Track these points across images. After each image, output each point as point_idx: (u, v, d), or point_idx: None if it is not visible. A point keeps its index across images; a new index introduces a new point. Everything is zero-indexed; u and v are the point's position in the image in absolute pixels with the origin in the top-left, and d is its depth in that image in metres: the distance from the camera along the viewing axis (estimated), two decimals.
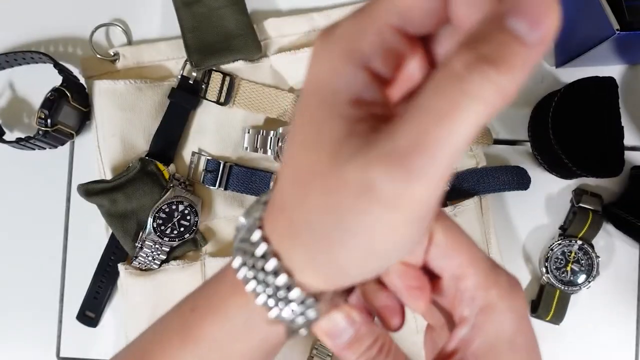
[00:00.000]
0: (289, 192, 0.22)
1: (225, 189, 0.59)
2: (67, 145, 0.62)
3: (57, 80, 0.58)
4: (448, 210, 0.56)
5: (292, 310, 0.24)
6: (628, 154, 0.59)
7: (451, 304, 0.26)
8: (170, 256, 0.59)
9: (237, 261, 0.24)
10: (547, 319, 0.58)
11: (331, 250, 0.22)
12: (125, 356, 0.29)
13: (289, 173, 0.23)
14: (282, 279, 0.23)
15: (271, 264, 0.23)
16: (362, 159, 0.19)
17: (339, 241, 0.21)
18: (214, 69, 0.60)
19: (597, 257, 0.58)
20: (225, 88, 0.59)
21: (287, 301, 0.24)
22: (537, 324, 0.59)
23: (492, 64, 0.17)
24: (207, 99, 0.59)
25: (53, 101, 0.56)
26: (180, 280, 0.58)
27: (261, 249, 0.23)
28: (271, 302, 0.24)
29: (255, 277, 0.24)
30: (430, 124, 0.18)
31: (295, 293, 0.23)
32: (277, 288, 0.23)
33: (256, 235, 0.24)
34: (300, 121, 0.22)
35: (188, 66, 0.60)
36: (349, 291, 0.27)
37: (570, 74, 0.60)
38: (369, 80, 0.21)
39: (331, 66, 0.21)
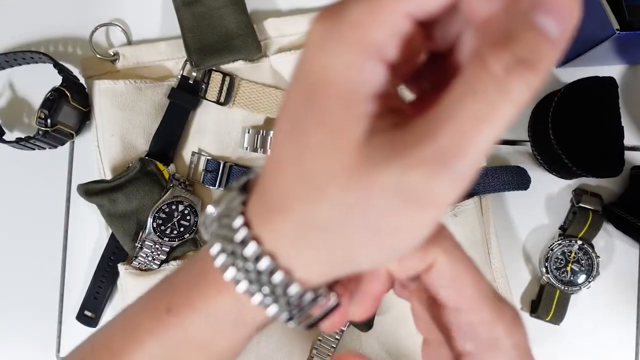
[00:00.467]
0: (295, 193, 0.22)
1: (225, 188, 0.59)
2: (67, 145, 0.62)
3: (57, 80, 0.58)
4: (448, 210, 0.56)
5: (291, 307, 0.24)
6: (628, 154, 0.59)
7: (451, 329, 0.26)
8: (170, 256, 0.59)
9: (220, 259, 0.24)
10: (547, 319, 0.58)
11: (351, 250, 0.22)
12: (93, 354, 0.28)
13: (294, 174, 0.21)
14: (278, 277, 0.23)
15: (265, 264, 0.23)
16: (399, 163, 0.19)
17: (362, 241, 0.21)
18: (214, 69, 0.60)
19: (597, 257, 0.58)
20: (225, 88, 0.59)
21: (286, 298, 0.23)
22: (538, 324, 0.59)
23: (530, 68, 0.18)
24: (207, 99, 0.60)
25: (53, 101, 0.56)
26: None
27: (251, 249, 0.23)
28: (268, 300, 0.23)
29: (248, 278, 0.23)
30: (470, 127, 0.18)
31: (294, 289, 0.23)
32: (274, 286, 0.23)
33: (243, 233, 0.23)
34: (304, 119, 0.21)
35: (188, 66, 0.60)
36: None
37: (570, 74, 0.60)
38: (386, 74, 0.20)
39: (345, 59, 0.20)
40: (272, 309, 0.24)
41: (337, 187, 0.20)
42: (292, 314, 0.24)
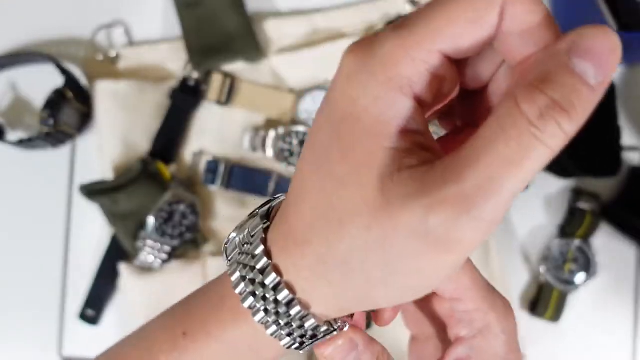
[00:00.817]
0: (315, 226, 0.21)
1: (226, 189, 0.60)
2: (69, 145, 0.62)
3: (59, 81, 0.58)
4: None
5: (304, 338, 0.24)
6: (626, 154, 0.59)
7: (446, 319, 0.27)
8: (171, 256, 0.59)
9: (240, 287, 0.23)
10: (546, 318, 0.59)
11: (370, 289, 0.21)
12: None
13: (315, 206, 0.21)
14: (295, 310, 0.23)
15: (283, 295, 0.23)
16: (421, 203, 0.18)
17: (382, 281, 0.21)
18: (215, 69, 0.60)
19: (595, 256, 0.58)
20: (225, 89, 0.60)
21: (302, 331, 0.23)
22: (536, 323, 0.59)
23: (565, 113, 0.17)
24: (208, 100, 0.60)
25: (55, 102, 0.57)
26: (181, 279, 0.59)
27: (271, 279, 0.23)
28: (283, 332, 0.23)
29: (265, 308, 0.23)
30: (498, 170, 0.18)
31: (310, 323, 0.23)
32: (290, 317, 0.23)
33: (263, 262, 0.23)
34: (329, 150, 0.20)
35: (189, 67, 0.60)
36: None
37: None
38: (416, 110, 0.20)
39: (376, 93, 0.19)
40: (286, 341, 0.24)
41: (358, 223, 0.20)
42: (304, 345, 0.24)
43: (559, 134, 0.17)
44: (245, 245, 0.24)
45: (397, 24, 0.20)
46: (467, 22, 0.19)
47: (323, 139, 0.21)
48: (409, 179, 0.19)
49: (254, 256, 0.23)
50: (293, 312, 0.23)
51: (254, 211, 0.25)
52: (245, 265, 0.23)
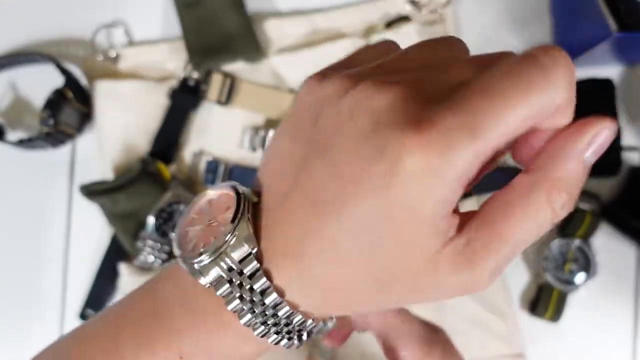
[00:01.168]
0: (344, 272, 0.22)
1: None
2: (69, 145, 0.62)
3: (58, 81, 0.58)
4: None
5: (304, 338, 0.25)
6: (626, 154, 0.59)
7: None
8: (171, 256, 0.59)
9: (246, 319, 0.23)
10: (546, 318, 0.59)
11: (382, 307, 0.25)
12: None
13: (355, 266, 0.22)
14: (298, 319, 0.24)
15: (297, 320, 0.24)
16: (469, 274, 0.22)
17: (398, 304, 0.24)
18: (215, 69, 0.60)
19: (595, 256, 0.58)
20: (225, 89, 0.60)
21: (301, 334, 0.25)
22: (536, 323, 0.59)
23: (572, 201, 0.21)
24: (208, 100, 0.60)
25: (55, 102, 0.57)
26: None
27: (284, 312, 0.23)
28: (286, 339, 0.24)
29: (277, 331, 0.24)
30: (519, 246, 0.22)
31: (310, 326, 0.24)
32: (299, 330, 0.24)
33: (274, 300, 0.23)
34: (376, 228, 0.21)
35: (189, 67, 0.60)
36: None
37: None
38: (461, 193, 0.21)
39: (443, 197, 0.20)
40: (286, 342, 0.25)
41: (403, 285, 0.22)
42: (302, 342, 0.25)
43: (565, 214, 0.21)
44: (235, 273, 0.23)
45: (466, 117, 0.19)
46: (529, 121, 0.20)
47: (363, 216, 0.21)
48: (455, 253, 0.21)
49: (262, 292, 0.23)
50: (308, 327, 0.24)
51: (228, 237, 0.23)
52: (252, 301, 0.23)
